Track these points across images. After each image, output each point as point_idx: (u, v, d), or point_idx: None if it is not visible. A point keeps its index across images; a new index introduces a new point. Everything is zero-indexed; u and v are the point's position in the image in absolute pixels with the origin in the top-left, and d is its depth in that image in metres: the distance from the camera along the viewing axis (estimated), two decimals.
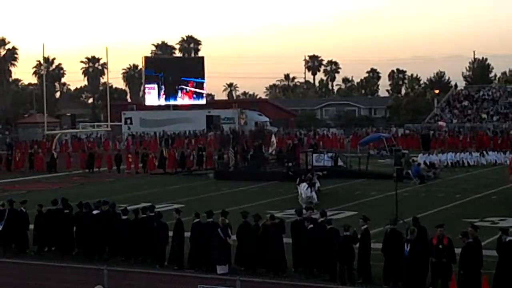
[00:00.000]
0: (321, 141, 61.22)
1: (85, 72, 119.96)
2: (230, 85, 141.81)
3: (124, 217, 20.22)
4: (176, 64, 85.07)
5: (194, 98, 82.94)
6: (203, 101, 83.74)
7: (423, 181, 36.97)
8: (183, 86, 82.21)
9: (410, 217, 19.70)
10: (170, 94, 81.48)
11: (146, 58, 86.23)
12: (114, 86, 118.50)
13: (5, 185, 39.93)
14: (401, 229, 17.47)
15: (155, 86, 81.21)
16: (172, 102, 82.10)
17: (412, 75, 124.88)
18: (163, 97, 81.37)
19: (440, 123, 72.07)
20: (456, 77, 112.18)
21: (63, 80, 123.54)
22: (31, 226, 21.49)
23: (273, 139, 47.76)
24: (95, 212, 20.69)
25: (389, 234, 17.16)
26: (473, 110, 76.46)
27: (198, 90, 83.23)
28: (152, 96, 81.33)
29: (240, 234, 18.77)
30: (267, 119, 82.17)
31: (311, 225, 18.26)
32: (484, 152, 48.53)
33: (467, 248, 15.75)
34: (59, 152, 53.58)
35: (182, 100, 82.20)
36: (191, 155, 47.06)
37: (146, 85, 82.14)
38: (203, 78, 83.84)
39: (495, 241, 16.98)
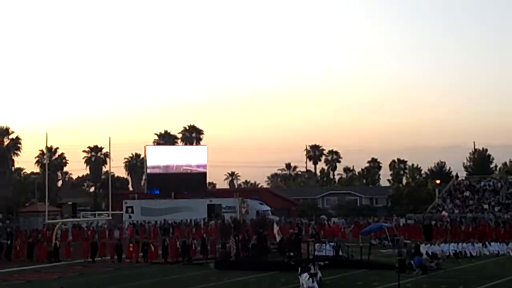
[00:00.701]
0: (322, 231, 61.01)
1: (87, 161, 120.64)
2: (232, 174, 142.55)
3: None
4: (178, 154, 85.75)
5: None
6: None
7: (426, 271, 36.67)
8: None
9: None
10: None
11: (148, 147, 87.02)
12: (116, 175, 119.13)
13: (4, 275, 39.60)
14: None
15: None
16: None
17: (412, 165, 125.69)
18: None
19: (443, 213, 72.03)
20: (457, 167, 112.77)
21: (65, 169, 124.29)
22: None
23: (276, 228, 47.67)
24: None
25: None
26: (474, 201, 76.49)
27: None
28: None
29: None
30: (268, 208, 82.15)
31: None
32: (487, 243, 48.32)
33: None
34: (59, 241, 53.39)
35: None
36: (193, 244, 46.96)
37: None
38: (204, 168, 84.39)
39: None
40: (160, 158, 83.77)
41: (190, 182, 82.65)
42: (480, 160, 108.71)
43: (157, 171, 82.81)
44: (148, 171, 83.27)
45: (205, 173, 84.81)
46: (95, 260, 46.44)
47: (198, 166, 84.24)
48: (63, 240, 55.96)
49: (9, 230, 65.73)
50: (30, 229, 64.12)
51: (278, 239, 43.63)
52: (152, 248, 46.55)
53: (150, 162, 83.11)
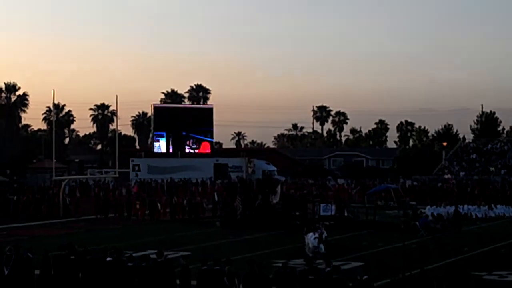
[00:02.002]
0: (328, 191, 61.12)
1: (94, 119, 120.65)
2: (238, 134, 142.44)
3: (130, 264, 20.11)
4: (185, 113, 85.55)
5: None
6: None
7: (431, 233, 36.77)
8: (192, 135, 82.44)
9: (417, 269, 19.53)
10: (178, 144, 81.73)
11: (155, 106, 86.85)
12: (123, 133, 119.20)
13: (11, 230, 39.90)
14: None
15: (164, 134, 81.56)
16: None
17: (420, 127, 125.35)
18: (171, 146, 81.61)
19: (447, 176, 72.01)
20: (464, 130, 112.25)
21: (72, 126, 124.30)
22: (37, 272, 21.40)
23: (278, 188, 47.79)
24: (108, 259, 20.56)
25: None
26: (481, 163, 76.39)
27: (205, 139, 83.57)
28: (161, 145, 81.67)
29: (247, 283, 18.64)
30: (274, 168, 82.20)
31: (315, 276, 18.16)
32: (493, 205, 48.35)
33: None
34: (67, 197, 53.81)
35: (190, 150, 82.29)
36: (203, 203, 47.34)
37: (155, 133, 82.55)
38: (211, 127, 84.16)
39: None
40: (167, 118, 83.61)
41: (196, 120, 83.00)
42: (487, 123, 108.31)
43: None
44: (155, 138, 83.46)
45: (211, 109, 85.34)
46: (108, 217, 46.64)
47: (204, 130, 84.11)
48: (70, 197, 56.20)
49: (16, 186, 66.01)
50: (37, 186, 64.41)
51: (274, 200, 43.70)
52: (159, 206, 46.83)
53: (156, 123, 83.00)
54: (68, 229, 40.55)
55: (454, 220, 39.73)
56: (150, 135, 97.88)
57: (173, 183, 69.82)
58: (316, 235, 29.46)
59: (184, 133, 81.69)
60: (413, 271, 20.44)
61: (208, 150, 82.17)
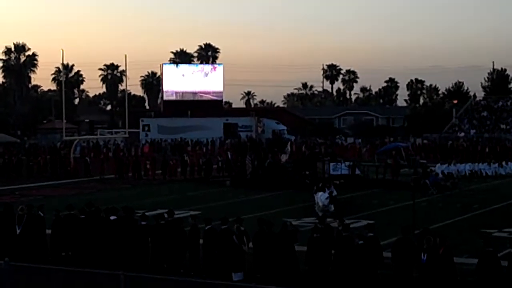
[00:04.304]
0: (338, 150, 61.11)
1: (104, 79, 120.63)
2: (248, 93, 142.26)
3: (143, 223, 20.23)
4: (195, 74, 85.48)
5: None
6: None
7: (441, 191, 36.79)
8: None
9: (428, 227, 19.56)
10: None
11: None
12: (132, 93, 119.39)
13: (23, 190, 40.18)
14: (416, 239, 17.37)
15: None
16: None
17: (430, 85, 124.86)
18: None
19: (461, 134, 71.86)
20: (475, 87, 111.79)
21: (81, 87, 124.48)
22: (49, 231, 21.58)
23: (288, 147, 47.80)
24: (112, 218, 20.73)
25: (398, 243, 17.17)
26: (492, 121, 76.08)
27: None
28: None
29: (257, 241, 18.75)
30: (284, 127, 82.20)
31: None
32: (503, 163, 48.23)
33: (486, 255, 15.56)
34: (79, 158, 54.15)
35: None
36: (218, 162, 47.52)
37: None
38: (220, 96, 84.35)
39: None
40: (176, 79, 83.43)
41: (206, 109, 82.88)
42: (498, 80, 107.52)
43: (173, 98, 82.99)
44: (164, 97, 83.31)
45: (221, 101, 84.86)
46: (123, 176, 46.83)
47: (214, 93, 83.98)
48: (82, 157, 56.49)
49: (27, 146, 66.37)
50: (47, 146, 64.69)
51: (283, 159, 43.79)
52: (172, 164, 47.03)
53: (166, 84, 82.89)
54: (80, 189, 40.76)
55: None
56: (160, 95, 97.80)
57: (184, 143, 69.99)
58: (327, 194, 29.54)
59: None
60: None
61: None
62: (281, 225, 19.30)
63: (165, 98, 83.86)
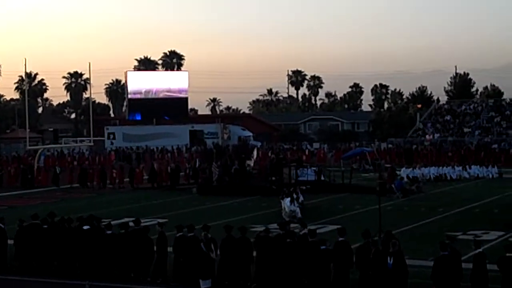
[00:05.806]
0: (303, 156, 61.26)
1: (68, 88, 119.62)
2: (214, 100, 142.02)
3: (108, 232, 20.05)
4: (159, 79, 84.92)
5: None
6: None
7: (406, 195, 37.08)
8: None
9: (395, 231, 19.69)
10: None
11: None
12: (97, 101, 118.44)
13: None
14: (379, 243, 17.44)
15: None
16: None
17: (394, 89, 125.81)
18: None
19: (428, 137, 72.50)
20: (438, 91, 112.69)
21: (45, 95, 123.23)
22: (11, 242, 21.29)
23: (254, 153, 47.84)
24: (85, 227, 20.46)
25: (361, 248, 17.22)
26: (455, 124, 76.90)
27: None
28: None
29: (224, 248, 18.70)
30: (250, 133, 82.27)
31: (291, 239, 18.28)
32: (467, 166, 48.82)
33: (441, 259, 15.73)
34: (43, 167, 53.47)
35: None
36: (186, 169, 47.39)
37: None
38: (186, 93, 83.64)
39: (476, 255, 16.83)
40: (141, 83, 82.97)
41: (172, 107, 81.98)
42: (461, 84, 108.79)
43: (138, 96, 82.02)
44: (129, 96, 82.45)
45: (186, 98, 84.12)
46: (87, 186, 46.35)
47: (179, 90, 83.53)
48: (46, 167, 55.81)
49: None
50: (11, 156, 63.90)
51: (251, 165, 43.83)
52: (138, 172, 46.78)
53: (131, 88, 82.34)
54: (44, 199, 40.30)
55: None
56: (125, 103, 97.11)
57: (149, 150, 69.69)
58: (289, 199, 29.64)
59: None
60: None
61: None
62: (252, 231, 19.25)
63: (129, 96, 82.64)
